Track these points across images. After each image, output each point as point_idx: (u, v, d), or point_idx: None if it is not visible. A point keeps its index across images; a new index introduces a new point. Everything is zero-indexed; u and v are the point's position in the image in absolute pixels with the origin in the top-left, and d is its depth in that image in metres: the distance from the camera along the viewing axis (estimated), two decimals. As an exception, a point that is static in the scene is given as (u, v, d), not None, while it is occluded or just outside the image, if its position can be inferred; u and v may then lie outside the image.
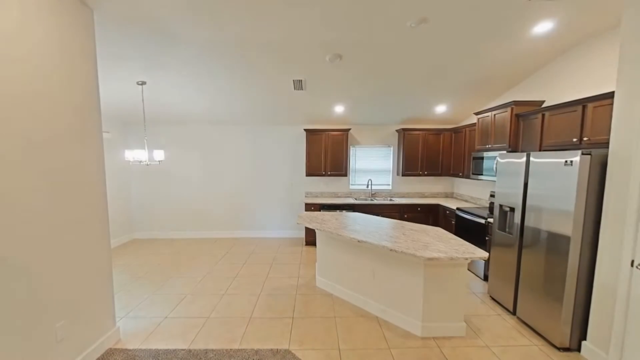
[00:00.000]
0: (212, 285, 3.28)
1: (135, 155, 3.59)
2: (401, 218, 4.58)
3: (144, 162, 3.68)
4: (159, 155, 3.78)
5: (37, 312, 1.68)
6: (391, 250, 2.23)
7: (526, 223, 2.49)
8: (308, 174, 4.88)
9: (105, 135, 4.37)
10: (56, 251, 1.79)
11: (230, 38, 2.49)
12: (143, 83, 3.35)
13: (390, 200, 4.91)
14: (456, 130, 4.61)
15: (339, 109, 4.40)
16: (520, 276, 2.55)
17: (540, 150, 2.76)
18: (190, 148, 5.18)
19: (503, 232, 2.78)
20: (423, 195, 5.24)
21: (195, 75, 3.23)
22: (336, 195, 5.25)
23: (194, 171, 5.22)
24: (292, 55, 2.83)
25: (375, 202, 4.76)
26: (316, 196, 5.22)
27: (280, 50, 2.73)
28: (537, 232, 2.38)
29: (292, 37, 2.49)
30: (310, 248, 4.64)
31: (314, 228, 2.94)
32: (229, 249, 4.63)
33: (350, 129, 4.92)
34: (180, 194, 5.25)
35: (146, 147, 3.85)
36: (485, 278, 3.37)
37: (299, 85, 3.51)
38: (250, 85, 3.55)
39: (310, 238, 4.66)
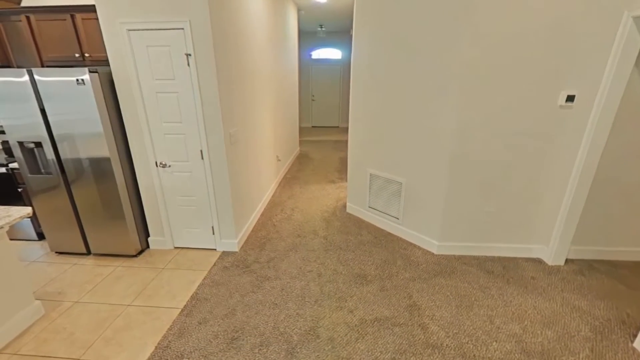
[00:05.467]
0: None
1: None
2: None
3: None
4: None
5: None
6: None
7: (63, 156, 2.40)
8: None
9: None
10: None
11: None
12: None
13: None
14: None
15: None
16: (80, 214, 2.57)
17: (43, 67, 2.53)
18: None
19: (40, 175, 2.48)
20: None
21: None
22: None
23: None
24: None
25: None
26: None
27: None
28: (78, 162, 2.41)
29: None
30: None
31: None
32: None
33: None
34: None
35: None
36: (42, 236, 2.99)
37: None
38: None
39: None
